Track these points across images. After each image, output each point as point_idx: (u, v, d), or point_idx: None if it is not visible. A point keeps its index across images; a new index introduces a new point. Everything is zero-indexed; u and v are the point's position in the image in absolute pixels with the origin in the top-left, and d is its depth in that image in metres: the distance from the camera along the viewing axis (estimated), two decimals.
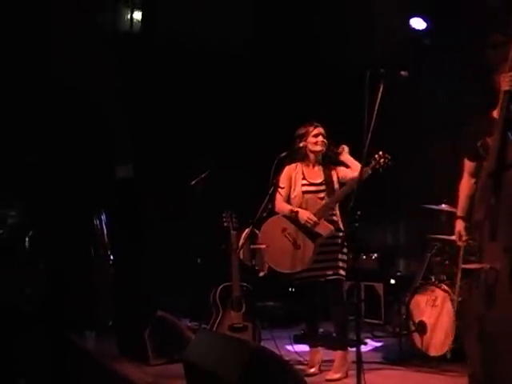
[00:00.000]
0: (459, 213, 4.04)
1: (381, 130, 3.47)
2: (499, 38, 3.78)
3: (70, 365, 4.81)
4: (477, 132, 3.70)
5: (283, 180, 4.93)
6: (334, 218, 4.82)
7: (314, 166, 4.95)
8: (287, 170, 4.97)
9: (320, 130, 4.92)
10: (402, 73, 3.67)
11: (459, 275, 4.76)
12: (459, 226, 4.02)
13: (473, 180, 3.90)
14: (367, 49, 6.91)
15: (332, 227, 4.73)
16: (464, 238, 3.99)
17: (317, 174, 4.92)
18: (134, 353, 5.28)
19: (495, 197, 3.33)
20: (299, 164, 4.98)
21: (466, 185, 4.00)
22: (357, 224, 3.71)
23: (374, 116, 3.40)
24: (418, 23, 6.80)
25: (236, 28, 8.07)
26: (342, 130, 4.89)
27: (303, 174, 4.95)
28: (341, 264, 4.77)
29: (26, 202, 6.55)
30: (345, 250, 4.78)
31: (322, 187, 4.85)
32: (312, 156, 4.93)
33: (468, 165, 3.91)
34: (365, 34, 7.04)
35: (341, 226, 4.85)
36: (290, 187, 4.95)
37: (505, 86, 3.43)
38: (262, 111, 7.75)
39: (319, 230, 4.72)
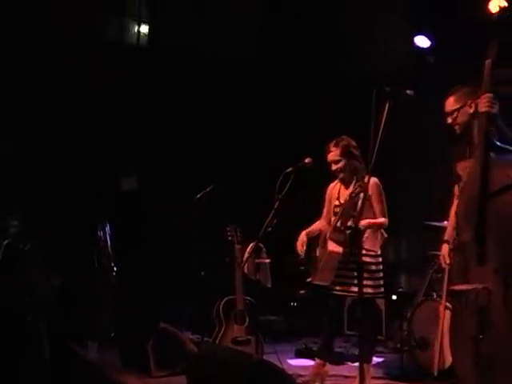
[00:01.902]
0: (446, 236, 4.14)
1: (382, 146, 3.52)
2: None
3: (71, 375, 4.83)
4: (452, 157, 3.99)
5: (326, 200, 5.02)
6: None
7: (348, 183, 4.85)
8: (328, 189, 5.02)
9: (330, 157, 4.83)
10: (408, 91, 3.72)
11: (444, 297, 4.86)
12: (444, 249, 4.12)
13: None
14: (370, 65, 6.97)
15: (335, 249, 4.66)
16: (448, 261, 4.08)
17: (346, 193, 4.84)
18: (137, 364, 5.29)
19: (482, 219, 3.32)
20: (338, 182, 4.97)
21: (454, 209, 4.10)
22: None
23: (380, 134, 3.44)
24: (421, 41, 6.87)
25: (242, 43, 8.14)
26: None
27: (339, 193, 4.94)
28: (370, 282, 4.69)
29: (29, 211, 6.58)
30: (373, 267, 4.75)
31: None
32: (339, 175, 4.90)
33: (455, 189, 4.07)
34: (367, 51, 7.10)
35: (370, 246, 4.75)
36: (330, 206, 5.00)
37: (482, 108, 3.47)
38: (268, 125, 7.80)
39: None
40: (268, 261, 4.96)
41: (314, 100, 7.74)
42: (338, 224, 4.64)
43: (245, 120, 7.79)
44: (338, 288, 4.77)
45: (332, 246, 4.68)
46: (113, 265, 6.76)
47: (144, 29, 8.51)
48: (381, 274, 4.80)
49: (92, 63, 7.15)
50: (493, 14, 5.80)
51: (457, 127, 3.95)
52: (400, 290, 6.96)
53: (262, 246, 5.11)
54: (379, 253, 4.84)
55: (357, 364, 3.80)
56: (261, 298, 5.50)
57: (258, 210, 4.92)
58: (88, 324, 6.23)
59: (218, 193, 5.68)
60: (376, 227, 4.77)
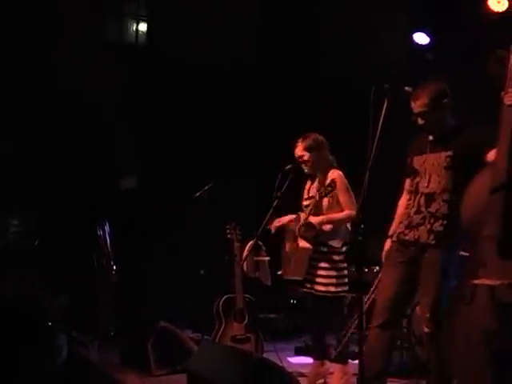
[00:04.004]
0: (390, 232, 4.11)
1: (381, 144, 3.52)
2: (503, 53, 3.83)
3: (72, 374, 4.83)
4: (409, 153, 4.01)
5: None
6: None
7: (314, 179, 4.87)
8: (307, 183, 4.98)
9: (296, 151, 4.79)
10: (406, 88, 3.71)
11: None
12: (387, 245, 4.10)
13: (408, 197, 4.01)
14: (369, 63, 6.97)
15: (305, 245, 4.66)
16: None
17: (314, 188, 4.84)
18: (137, 363, 5.30)
19: (507, 211, 3.28)
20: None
21: (403, 202, 4.13)
22: (360, 237, 3.72)
23: (379, 132, 3.44)
24: (420, 38, 6.86)
25: (242, 42, 8.13)
26: (345, 144, 4.92)
27: (307, 188, 4.93)
28: (324, 281, 4.64)
29: (28, 211, 6.59)
30: (335, 266, 4.66)
31: (309, 202, 4.77)
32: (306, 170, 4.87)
33: (406, 182, 4.07)
34: (367, 48, 7.09)
35: (330, 241, 4.70)
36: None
37: (508, 101, 3.45)
38: (267, 124, 7.80)
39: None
40: (267, 259, 4.96)
41: (314, 97, 7.74)
42: (307, 221, 4.63)
43: (244, 118, 7.79)
44: (306, 285, 4.75)
45: (302, 243, 4.67)
46: (112, 263, 6.77)
47: (143, 27, 8.50)
48: (341, 273, 4.68)
49: (91, 62, 7.15)
50: (492, 10, 5.84)
51: (426, 126, 3.91)
52: None
53: (261, 243, 5.10)
54: (343, 249, 4.74)
55: (357, 361, 3.79)
56: (260, 296, 5.51)
57: (257, 207, 4.92)
58: (88, 323, 6.24)
59: (217, 191, 5.69)
60: (337, 222, 4.68)
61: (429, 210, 3.81)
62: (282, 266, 4.93)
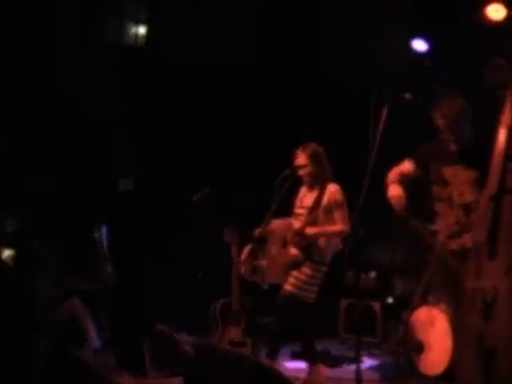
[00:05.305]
0: (395, 178, 4.38)
1: (381, 150, 3.55)
2: (500, 61, 3.88)
3: (67, 376, 4.82)
4: (428, 151, 4.27)
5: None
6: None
7: (312, 188, 4.93)
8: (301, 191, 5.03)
9: (297, 161, 4.86)
10: (406, 95, 3.75)
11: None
12: (395, 190, 4.34)
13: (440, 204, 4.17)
14: (368, 69, 6.98)
15: (295, 253, 4.74)
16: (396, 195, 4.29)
17: (310, 198, 4.89)
18: (133, 366, 5.29)
19: (497, 218, 3.38)
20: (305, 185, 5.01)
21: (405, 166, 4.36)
22: (358, 242, 3.75)
23: (378, 138, 3.47)
24: (419, 45, 6.88)
25: (240, 42, 8.14)
26: (344, 148, 4.93)
27: (302, 196, 4.98)
28: (293, 280, 4.75)
29: (25, 211, 6.58)
30: (311, 273, 4.75)
31: (303, 210, 4.85)
32: (305, 179, 4.93)
33: (407, 162, 4.35)
34: (365, 53, 7.11)
35: (320, 252, 4.78)
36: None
37: (503, 123, 3.52)
38: (266, 126, 7.81)
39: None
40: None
41: (313, 101, 7.76)
42: (301, 230, 4.71)
43: (243, 121, 7.79)
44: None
45: (293, 250, 4.76)
46: (109, 266, 6.76)
47: (142, 30, 8.51)
48: (313, 281, 4.78)
49: (89, 64, 7.15)
50: (490, 18, 5.88)
51: (454, 138, 4.02)
52: (396, 292, 6.98)
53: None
54: (325, 261, 4.82)
55: (353, 367, 3.79)
56: (257, 299, 5.50)
57: (255, 211, 4.93)
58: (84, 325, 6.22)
59: (216, 194, 5.69)
60: (329, 235, 4.77)
61: (469, 220, 4.00)
62: (265, 268, 4.97)
